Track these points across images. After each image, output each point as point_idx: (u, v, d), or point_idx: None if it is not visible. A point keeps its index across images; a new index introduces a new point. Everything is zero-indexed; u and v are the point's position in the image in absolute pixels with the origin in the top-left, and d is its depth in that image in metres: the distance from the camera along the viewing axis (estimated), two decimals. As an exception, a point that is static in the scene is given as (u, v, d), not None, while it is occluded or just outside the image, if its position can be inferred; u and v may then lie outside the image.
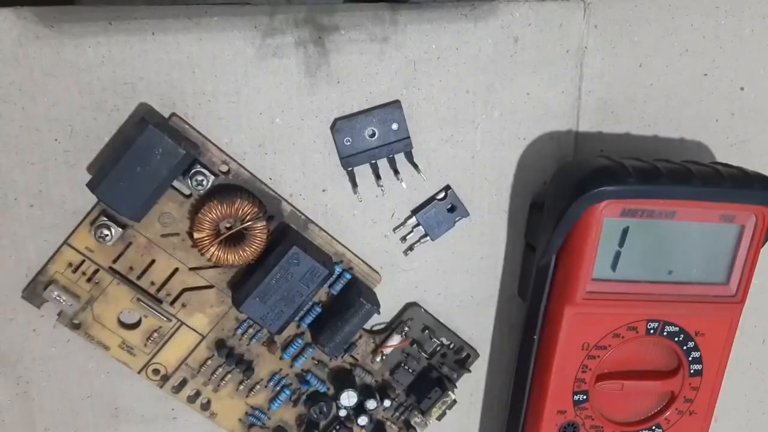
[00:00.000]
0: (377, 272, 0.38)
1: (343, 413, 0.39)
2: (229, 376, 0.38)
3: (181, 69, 0.33)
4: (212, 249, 0.34)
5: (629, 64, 0.37)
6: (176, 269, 0.36)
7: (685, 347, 0.37)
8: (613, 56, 0.37)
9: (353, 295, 0.36)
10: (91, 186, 0.32)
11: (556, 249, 0.34)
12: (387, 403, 0.39)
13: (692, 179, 0.34)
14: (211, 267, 0.36)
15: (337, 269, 0.36)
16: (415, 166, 0.36)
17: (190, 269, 0.36)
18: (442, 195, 0.37)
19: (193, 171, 0.33)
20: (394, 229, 0.37)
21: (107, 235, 0.34)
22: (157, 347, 0.37)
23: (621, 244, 0.34)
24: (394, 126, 0.35)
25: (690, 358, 0.37)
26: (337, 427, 0.39)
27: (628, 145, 0.38)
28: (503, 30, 0.35)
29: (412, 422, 0.40)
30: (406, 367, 0.39)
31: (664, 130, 0.38)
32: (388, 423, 0.40)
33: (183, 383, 0.37)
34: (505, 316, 0.40)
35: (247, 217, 0.34)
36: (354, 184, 0.36)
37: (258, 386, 0.38)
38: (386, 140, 0.35)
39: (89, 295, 0.35)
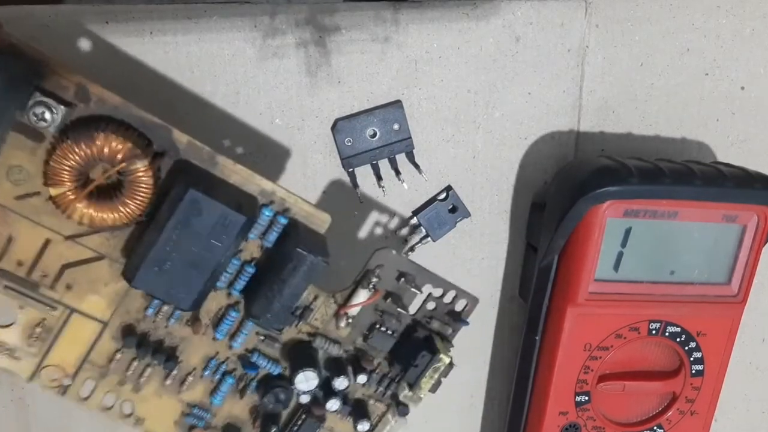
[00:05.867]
0: (325, 211, 0.30)
1: (305, 399, 0.31)
2: (150, 369, 0.30)
3: (181, 69, 0.33)
4: (79, 206, 0.26)
5: (630, 64, 0.37)
6: (47, 240, 0.27)
7: (686, 347, 0.37)
8: (614, 55, 0.37)
9: (290, 246, 0.28)
10: None
11: (558, 249, 0.34)
12: (362, 378, 0.31)
13: (694, 179, 0.33)
14: (93, 232, 0.27)
15: (266, 213, 0.28)
16: (417, 166, 0.36)
17: (67, 238, 0.27)
18: (443, 195, 0.37)
19: (31, 102, 0.25)
20: (396, 230, 0.37)
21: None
22: (45, 345, 0.29)
23: (623, 244, 0.34)
24: (396, 126, 0.35)
25: (691, 359, 0.37)
26: (303, 416, 0.32)
27: (629, 145, 0.38)
28: (505, 29, 0.35)
29: (401, 397, 0.33)
30: (384, 329, 0.32)
31: (665, 129, 0.38)
32: (372, 401, 0.33)
33: (91, 387, 0.30)
34: (506, 317, 0.40)
35: (120, 157, 0.25)
36: (355, 185, 0.36)
37: (191, 378, 0.31)
38: (387, 140, 0.35)
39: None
